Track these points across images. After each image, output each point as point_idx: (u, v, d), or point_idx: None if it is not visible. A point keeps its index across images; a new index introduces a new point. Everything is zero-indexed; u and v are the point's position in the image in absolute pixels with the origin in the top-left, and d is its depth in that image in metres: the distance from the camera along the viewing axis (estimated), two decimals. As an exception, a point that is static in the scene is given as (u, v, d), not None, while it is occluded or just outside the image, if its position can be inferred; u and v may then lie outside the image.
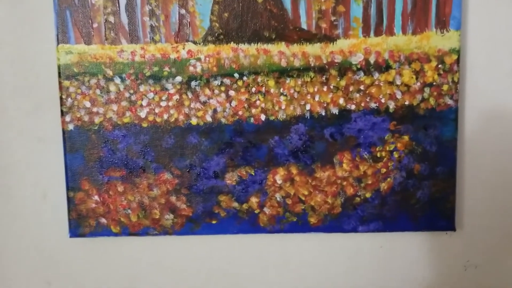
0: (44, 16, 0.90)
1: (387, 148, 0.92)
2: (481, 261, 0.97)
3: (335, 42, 0.90)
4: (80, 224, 0.93)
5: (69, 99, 0.90)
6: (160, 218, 0.93)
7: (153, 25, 0.89)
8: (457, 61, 0.90)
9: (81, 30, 0.89)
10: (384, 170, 0.93)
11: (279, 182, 0.93)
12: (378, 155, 0.93)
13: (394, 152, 0.93)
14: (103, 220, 0.93)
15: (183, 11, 0.89)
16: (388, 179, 0.93)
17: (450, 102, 0.91)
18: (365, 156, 0.93)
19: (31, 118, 0.93)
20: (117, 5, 0.89)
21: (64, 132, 0.91)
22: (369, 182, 0.93)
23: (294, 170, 0.93)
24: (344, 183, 0.93)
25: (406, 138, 0.92)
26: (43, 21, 0.90)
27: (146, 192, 0.92)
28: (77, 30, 0.89)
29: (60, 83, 0.90)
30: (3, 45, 0.91)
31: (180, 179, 0.92)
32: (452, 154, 0.92)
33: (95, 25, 0.89)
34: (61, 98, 0.90)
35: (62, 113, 0.90)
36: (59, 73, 0.89)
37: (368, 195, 0.93)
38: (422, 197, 0.93)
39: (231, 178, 0.93)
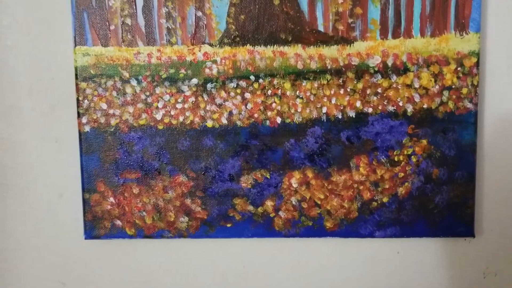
0: (61, 18, 0.90)
1: (405, 152, 0.91)
2: (501, 268, 0.95)
3: (352, 44, 0.89)
4: (95, 226, 0.93)
5: (86, 100, 0.90)
6: (175, 221, 0.93)
7: (170, 27, 0.89)
8: (477, 63, 0.89)
9: (98, 32, 0.89)
10: (401, 174, 0.91)
11: (295, 185, 0.92)
12: (396, 159, 0.91)
13: (412, 156, 0.91)
14: (118, 222, 0.93)
15: (199, 13, 0.89)
16: (406, 183, 0.92)
17: (469, 105, 0.90)
18: (382, 160, 0.91)
19: (48, 118, 0.94)
20: (134, 7, 0.89)
21: (80, 133, 0.91)
22: (386, 186, 0.92)
23: (310, 174, 0.92)
24: (361, 187, 0.92)
25: (424, 142, 0.91)
26: (60, 23, 0.91)
27: (161, 194, 0.92)
28: (94, 32, 0.89)
29: (77, 84, 0.90)
30: (21, 46, 0.92)
31: (195, 181, 0.92)
32: (471, 158, 0.91)
33: (112, 27, 0.89)
34: (77, 100, 0.90)
35: (79, 115, 0.91)
36: (76, 74, 0.90)
37: (385, 199, 0.92)
38: (441, 202, 0.92)
39: (246, 181, 0.92)
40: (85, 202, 0.92)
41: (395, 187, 0.92)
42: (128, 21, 0.89)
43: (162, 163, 0.92)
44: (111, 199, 0.92)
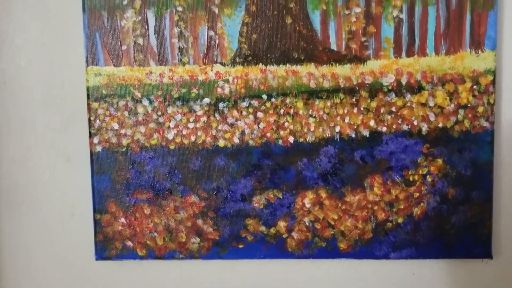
0: (74, 38, 0.91)
1: (420, 172, 0.90)
2: (520, 291, 0.93)
3: (365, 63, 0.89)
4: (106, 247, 0.92)
5: (98, 120, 0.90)
6: (186, 242, 0.92)
7: (182, 47, 0.89)
8: (493, 82, 0.87)
9: (110, 52, 0.89)
10: (417, 194, 0.90)
11: (308, 206, 0.91)
12: (411, 178, 0.90)
13: (428, 176, 0.89)
14: (129, 243, 0.92)
15: (211, 33, 0.89)
16: (421, 203, 0.90)
17: (486, 124, 0.88)
18: (397, 179, 0.90)
19: (60, 138, 0.93)
20: (146, 27, 0.89)
21: (92, 153, 0.90)
22: (401, 206, 0.90)
23: (323, 194, 0.90)
24: (375, 207, 0.90)
25: (440, 161, 0.89)
26: (73, 43, 0.91)
27: (172, 215, 0.91)
28: (106, 52, 0.89)
29: (88, 104, 0.90)
30: (34, 65, 0.92)
31: (207, 202, 0.91)
32: (488, 178, 0.89)
33: (124, 47, 0.89)
34: (89, 120, 0.90)
35: (90, 135, 0.90)
36: (88, 94, 0.90)
37: (400, 220, 0.90)
38: (457, 223, 0.90)
39: (258, 202, 0.91)
40: (96, 222, 0.92)
41: (410, 207, 0.90)
42: (140, 41, 0.89)
43: (174, 183, 0.91)
44: (122, 220, 0.91)
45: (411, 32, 0.88)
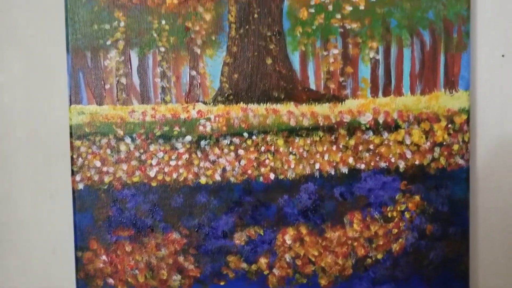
0: (58, 77, 0.92)
1: (398, 208, 0.91)
2: (499, 325, 0.94)
3: (343, 102, 0.91)
4: (87, 284, 0.92)
5: (80, 158, 0.91)
6: (167, 279, 0.92)
7: (164, 86, 0.91)
8: (467, 120, 0.90)
9: (94, 91, 0.90)
10: (395, 230, 0.91)
11: (289, 242, 0.92)
12: (389, 215, 0.91)
13: (406, 212, 0.91)
14: (111, 280, 0.92)
15: (193, 73, 0.91)
16: (400, 239, 0.91)
17: (461, 161, 0.90)
18: (376, 216, 0.91)
19: (42, 175, 0.94)
20: (129, 67, 0.90)
21: (74, 191, 0.91)
22: (381, 242, 0.92)
23: (303, 230, 0.92)
24: (355, 243, 0.92)
25: (417, 198, 0.91)
26: (57, 81, 0.92)
27: (154, 252, 0.92)
28: (89, 91, 0.90)
29: (71, 142, 0.90)
30: (17, 102, 0.93)
31: (188, 238, 0.92)
32: (464, 214, 0.91)
33: (107, 86, 0.90)
34: (72, 158, 0.91)
35: (73, 172, 0.91)
36: (70, 132, 0.90)
37: (379, 256, 0.92)
38: (435, 258, 0.91)
39: (240, 238, 0.92)
40: (77, 259, 0.91)
41: (389, 243, 0.92)
42: (123, 80, 0.91)
43: (155, 220, 0.91)
44: (104, 257, 0.91)
45: (387, 72, 0.91)
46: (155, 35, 0.90)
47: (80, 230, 0.91)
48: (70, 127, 0.90)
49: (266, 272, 0.92)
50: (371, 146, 0.91)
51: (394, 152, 0.91)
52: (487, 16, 0.91)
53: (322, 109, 0.91)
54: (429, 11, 0.89)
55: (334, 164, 0.91)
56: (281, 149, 0.91)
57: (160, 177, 0.91)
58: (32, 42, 0.92)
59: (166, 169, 0.91)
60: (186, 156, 0.91)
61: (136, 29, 0.89)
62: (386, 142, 0.91)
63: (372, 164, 0.91)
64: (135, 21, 0.89)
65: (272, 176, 0.91)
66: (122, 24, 0.89)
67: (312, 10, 0.89)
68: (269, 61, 0.91)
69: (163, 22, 0.89)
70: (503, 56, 0.92)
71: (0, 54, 0.93)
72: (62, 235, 0.94)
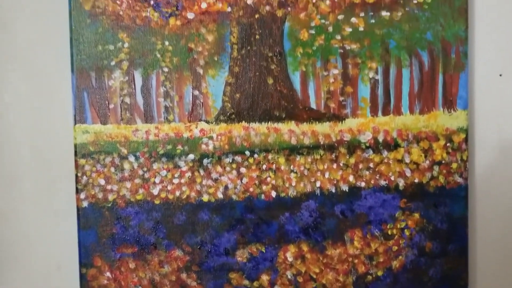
0: (62, 97, 0.93)
1: (398, 226, 0.93)
2: None
3: (343, 121, 0.92)
4: (91, 301, 0.93)
5: (84, 177, 0.92)
6: (170, 296, 0.93)
7: (168, 105, 0.92)
8: (465, 139, 0.91)
9: (98, 111, 0.92)
10: (395, 247, 0.93)
11: (290, 259, 0.93)
12: (389, 232, 0.93)
13: (405, 230, 0.93)
14: (114, 297, 0.93)
15: (196, 92, 0.92)
16: (400, 257, 0.93)
17: (459, 180, 0.92)
18: (376, 233, 0.93)
19: (47, 193, 0.95)
20: (133, 87, 0.92)
21: (78, 209, 0.92)
22: (381, 260, 0.93)
23: (305, 247, 0.93)
24: (356, 260, 0.93)
25: (416, 215, 0.92)
26: (61, 101, 0.94)
27: (157, 269, 0.93)
28: (94, 111, 0.92)
29: (76, 161, 0.92)
30: (22, 121, 0.95)
31: (191, 256, 0.93)
32: (463, 232, 0.92)
33: (111, 106, 0.92)
34: (76, 176, 0.92)
35: (77, 190, 0.92)
36: (75, 151, 0.92)
37: (380, 273, 0.93)
38: (435, 275, 0.93)
39: (241, 255, 0.93)
40: (82, 276, 0.93)
41: (389, 260, 0.93)
42: (127, 100, 0.92)
43: (158, 237, 0.93)
44: (108, 274, 0.93)
45: (386, 92, 0.92)
46: (158, 55, 0.91)
47: (84, 247, 0.92)
48: (75, 146, 0.92)
49: (267, 289, 0.93)
50: (371, 165, 0.92)
51: (393, 170, 0.92)
52: (485, 37, 0.93)
53: (323, 128, 0.92)
54: (427, 32, 0.91)
55: (335, 182, 0.93)
56: (282, 167, 0.93)
57: (163, 195, 0.93)
58: (37, 63, 0.94)
59: (169, 187, 0.93)
60: (188, 174, 0.93)
61: (140, 50, 0.91)
62: (386, 160, 0.92)
63: (372, 182, 0.92)
64: (138, 42, 0.91)
65: (273, 193, 0.93)
66: (126, 45, 0.91)
67: (313, 32, 0.91)
68: (270, 81, 0.92)
69: (166, 43, 0.91)
70: (500, 75, 0.94)
71: (5, 74, 0.94)
72: (67, 252, 0.95)
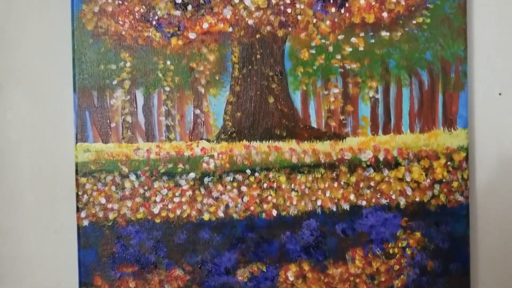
0: (64, 115, 0.94)
1: (400, 245, 0.92)
2: None
3: (344, 139, 0.93)
4: (90, 321, 0.92)
5: (85, 195, 0.92)
6: (171, 316, 0.92)
7: (169, 124, 0.93)
8: (466, 158, 0.92)
9: (99, 130, 0.92)
10: (397, 267, 0.92)
11: (291, 278, 0.92)
12: (391, 251, 0.92)
13: (407, 249, 0.92)
14: (114, 317, 0.92)
15: (197, 111, 0.93)
16: (402, 276, 0.92)
17: (460, 198, 0.92)
18: (377, 252, 0.92)
19: (48, 211, 0.95)
20: (135, 105, 0.93)
21: (79, 227, 0.92)
22: (383, 279, 0.92)
23: (306, 267, 0.92)
24: (357, 280, 0.92)
25: (418, 234, 0.92)
26: (63, 120, 0.94)
27: (157, 288, 0.92)
28: (95, 130, 0.92)
29: (77, 180, 0.92)
30: (24, 140, 0.95)
31: (191, 275, 0.92)
32: (465, 251, 0.92)
33: (113, 125, 0.92)
34: (77, 195, 0.92)
35: (78, 209, 0.92)
36: (76, 170, 0.92)
37: (381, 292, 0.92)
38: (437, 295, 0.92)
39: (242, 275, 0.92)
40: (81, 296, 0.92)
41: (391, 279, 0.92)
42: (129, 119, 0.93)
43: (159, 256, 0.92)
44: (107, 294, 0.92)
45: (386, 111, 0.93)
46: (160, 75, 0.92)
47: (84, 266, 0.92)
48: (76, 164, 0.92)
49: (268, 309, 0.92)
50: (372, 183, 0.92)
51: (394, 189, 0.92)
52: (484, 56, 0.94)
53: (324, 147, 0.93)
54: (426, 52, 0.92)
55: (336, 200, 0.93)
56: (283, 186, 0.93)
57: (164, 213, 0.92)
58: (40, 81, 0.95)
59: (170, 206, 0.93)
60: (189, 192, 0.93)
61: (142, 69, 0.92)
62: (386, 179, 0.92)
63: (373, 200, 0.92)
64: (141, 61, 0.92)
65: (274, 212, 0.93)
66: (128, 64, 0.92)
67: (313, 51, 0.92)
68: (271, 100, 0.93)
69: (168, 62, 0.92)
70: (500, 94, 0.94)
71: (8, 92, 0.95)
72: (67, 271, 0.94)
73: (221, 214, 0.93)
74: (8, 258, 0.95)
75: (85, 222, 0.92)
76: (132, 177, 0.92)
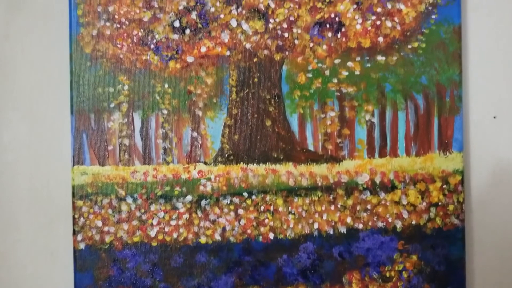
0: (61, 138, 0.94)
1: (396, 268, 0.92)
2: None
3: (341, 162, 0.93)
4: None
5: (82, 218, 0.92)
6: None
7: (166, 147, 0.93)
8: (461, 181, 0.92)
9: (97, 152, 0.92)
10: (393, 290, 0.92)
11: (288, 302, 0.92)
12: (387, 274, 0.92)
13: (403, 272, 0.92)
14: None
15: (195, 134, 0.93)
16: (398, 299, 0.92)
17: (456, 221, 0.92)
18: (374, 276, 0.92)
19: (44, 234, 0.95)
20: (132, 128, 0.93)
21: (75, 251, 0.91)
22: (379, 302, 0.92)
23: (303, 290, 0.92)
24: (354, 303, 0.92)
25: (414, 257, 0.92)
26: (60, 143, 0.94)
27: (153, 312, 0.92)
28: (92, 152, 0.92)
29: (73, 202, 0.92)
30: (21, 162, 0.95)
31: (188, 299, 0.92)
32: (461, 274, 0.92)
33: (110, 148, 0.92)
34: (73, 218, 0.92)
35: (74, 232, 0.92)
36: (73, 192, 0.92)
37: (378, 316, 0.92)
38: (434, 318, 0.92)
39: (239, 298, 0.92)
40: (76, 320, 0.91)
41: (388, 303, 0.92)
42: (126, 141, 0.93)
43: (155, 280, 0.92)
44: (103, 317, 0.91)
45: (383, 134, 0.93)
46: (158, 98, 0.92)
47: (80, 290, 0.91)
48: (73, 187, 0.92)
49: (265, 333, 0.92)
50: (369, 206, 0.93)
51: (391, 212, 0.93)
52: (478, 80, 0.95)
53: (320, 170, 0.93)
54: (422, 76, 0.93)
55: (333, 223, 0.93)
56: (280, 209, 0.93)
57: (160, 236, 0.92)
58: (37, 104, 0.95)
59: (166, 229, 0.92)
60: (186, 215, 0.92)
61: (140, 92, 0.92)
62: (383, 202, 0.93)
63: (370, 223, 0.93)
64: (138, 84, 0.92)
65: (271, 235, 0.93)
66: (126, 87, 0.92)
67: (310, 75, 0.93)
68: (268, 123, 0.93)
69: (166, 85, 0.92)
70: (494, 117, 0.95)
71: (5, 115, 0.95)
72: (62, 295, 0.94)
73: (218, 237, 0.92)
74: (4, 280, 0.95)
75: (82, 245, 0.92)
76: (129, 200, 0.92)
